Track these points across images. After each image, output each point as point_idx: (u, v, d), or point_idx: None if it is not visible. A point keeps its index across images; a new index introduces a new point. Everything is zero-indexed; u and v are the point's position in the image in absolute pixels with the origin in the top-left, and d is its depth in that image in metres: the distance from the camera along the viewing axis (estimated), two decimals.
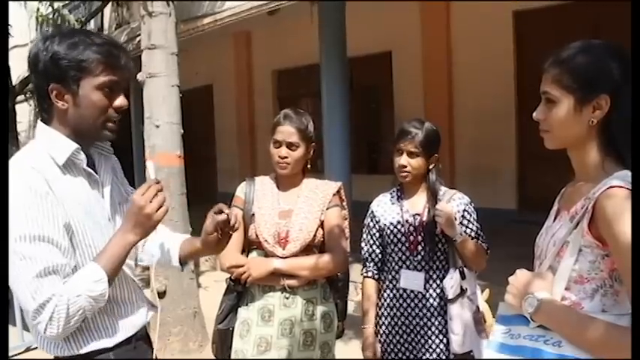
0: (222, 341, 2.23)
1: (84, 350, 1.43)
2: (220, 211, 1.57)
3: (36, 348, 4.23)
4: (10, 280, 1.33)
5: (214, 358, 2.30)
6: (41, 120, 1.47)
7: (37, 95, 1.45)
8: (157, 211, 1.41)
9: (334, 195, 2.25)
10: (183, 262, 1.71)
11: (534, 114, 1.30)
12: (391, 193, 2.32)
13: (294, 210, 2.19)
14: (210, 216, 1.58)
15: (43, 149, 1.42)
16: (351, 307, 2.44)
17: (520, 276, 1.28)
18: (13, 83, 8.36)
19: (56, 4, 7.48)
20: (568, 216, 1.26)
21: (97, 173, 1.52)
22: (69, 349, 1.42)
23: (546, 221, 1.39)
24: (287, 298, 2.14)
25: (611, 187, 1.12)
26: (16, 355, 4.19)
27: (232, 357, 2.18)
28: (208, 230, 1.58)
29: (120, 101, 1.46)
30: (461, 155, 7.19)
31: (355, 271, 2.45)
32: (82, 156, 1.46)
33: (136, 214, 1.41)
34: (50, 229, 1.32)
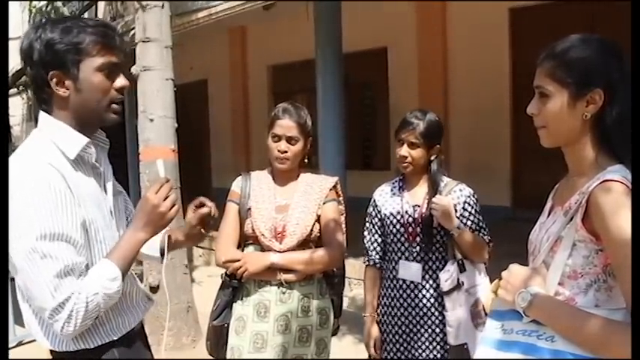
0: (218, 338, 2.20)
1: (92, 345, 1.41)
2: (202, 204, 1.60)
3: (27, 342, 4.23)
4: (24, 277, 1.30)
5: (209, 354, 2.28)
6: (45, 111, 1.43)
7: (35, 86, 1.41)
8: (169, 210, 1.41)
9: (331, 190, 2.24)
10: (162, 253, 1.70)
11: (528, 108, 1.30)
12: (393, 183, 2.33)
13: (290, 204, 2.18)
14: (192, 209, 1.61)
15: (51, 142, 1.39)
16: (345, 303, 2.44)
17: (513, 271, 1.28)
18: None
19: None
20: (562, 211, 1.26)
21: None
22: (75, 345, 1.40)
23: (540, 217, 1.39)
24: (283, 293, 2.13)
25: (605, 180, 1.12)
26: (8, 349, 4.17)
27: (228, 354, 2.17)
28: (192, 223, 1.60)
29: (121, 81, 1.44)
30: (456, 152, 7.18)
31: (350, 266, 2.45)
32: (92, 150, 1.44)
33: (149, 212, 1.41)
34: (69, 227, 1.30)
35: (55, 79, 1.36)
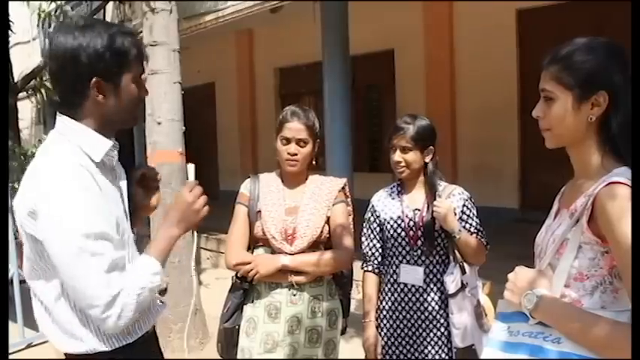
0: (228, 340, 2.22)
1: (109, 347, 1.42)
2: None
3: (37, 345, 4.26)
4: (70, 276, 1.32)
5: (219, 356, 2.29)
6: (67, 115, 1.43)
7: (70, 91, 1.41)
8: (202, 207, 1.50)
9: (340, 191, 2.26)
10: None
11: (533, 112, 1.30)
12: (391, 188, 2.34)
13: (300, 206, 2.19)
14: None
15: (76, 146, 1.40)
16: (352, 305, 2.44)
17: (519, 273, 1.28)
18: (15, 80, 8.37)
19: (58, 2, 7.49)
20: (568, 213, 1.26)
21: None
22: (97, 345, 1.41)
23: (547, 220, 1.39)
24: (294, 294, 2.14)
25: (610, 183, 1.12)
26: (16, 351, 4.20)
27: (239, 355, 2.18)
28: (134, 190, 1.63)
29: (146, 90, 1.52)
30: (463, 154, 7.18)
31: (358, 268, 2.46)
32: (115, 153, 1.48)
33: (184, 209, 1.50)
34: (106, 225, 1.35)
35: (97, 86, 1.38)
